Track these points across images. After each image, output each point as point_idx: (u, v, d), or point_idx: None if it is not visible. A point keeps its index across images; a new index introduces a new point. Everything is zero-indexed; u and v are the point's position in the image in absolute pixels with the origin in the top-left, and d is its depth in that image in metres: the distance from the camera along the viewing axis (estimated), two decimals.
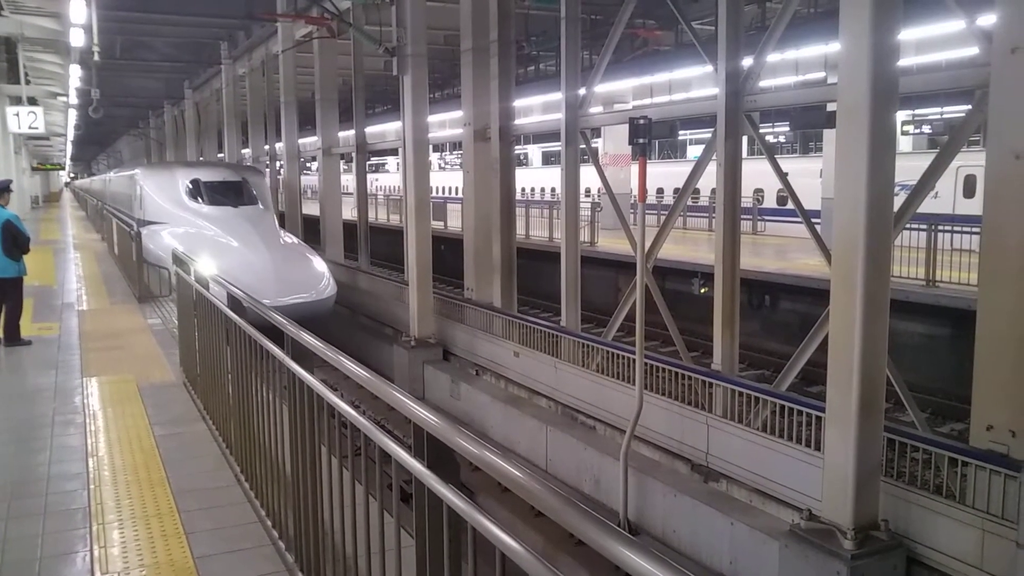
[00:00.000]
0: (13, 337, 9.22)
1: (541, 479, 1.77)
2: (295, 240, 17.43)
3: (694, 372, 8.92)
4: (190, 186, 17.09)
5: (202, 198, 16.83)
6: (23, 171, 39.04)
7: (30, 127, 19.69)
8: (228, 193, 17.11)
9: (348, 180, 28.92)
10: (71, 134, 44.02)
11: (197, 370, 6.49)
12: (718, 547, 7.84)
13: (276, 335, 3.91)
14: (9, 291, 9.20)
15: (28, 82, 21.02)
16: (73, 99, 27.21)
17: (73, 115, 35.14)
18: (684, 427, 8.72)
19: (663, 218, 12.30)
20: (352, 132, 19.07)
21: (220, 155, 32.48)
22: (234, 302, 5.05)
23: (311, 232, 21.06)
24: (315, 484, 3.30)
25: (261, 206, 17.29)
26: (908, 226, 9.00)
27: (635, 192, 13.99)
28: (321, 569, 3.32)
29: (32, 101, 21.19)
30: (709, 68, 9.66)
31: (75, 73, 21.62)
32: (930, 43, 14.42)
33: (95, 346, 9.18)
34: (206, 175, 17.54)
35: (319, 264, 15.43)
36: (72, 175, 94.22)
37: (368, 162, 21.40)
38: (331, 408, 3.02)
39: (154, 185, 18.07)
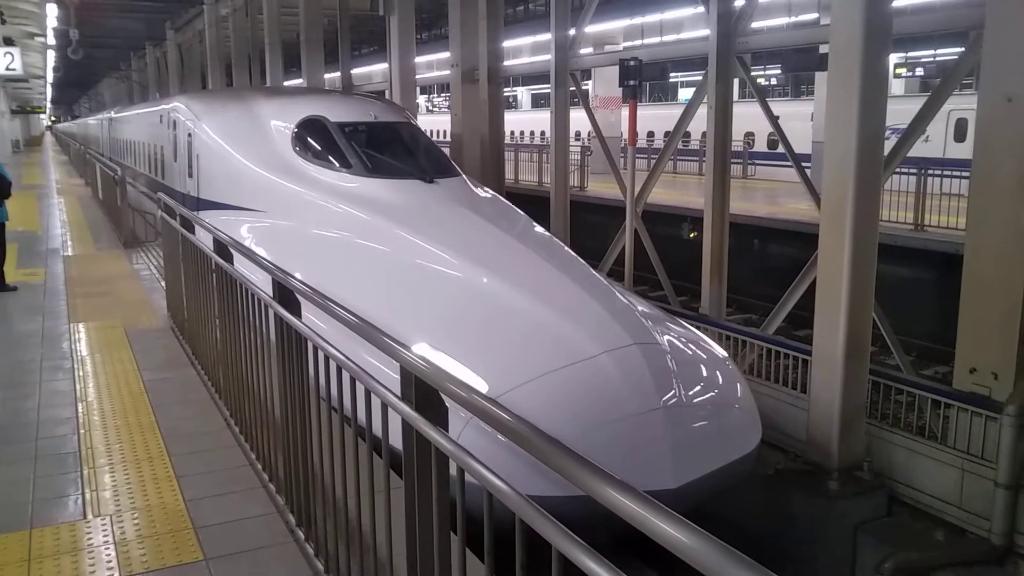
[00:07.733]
0: None
1: (530, 422, 1.77)
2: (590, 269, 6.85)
3: (682, 316, 8.97)
4: (302, 132, 8.65)
5: (343, 160, 8.23)
6: (2, 114, 38.35)
7: (7, 68, 19.18)
8: (393, 150, 8.64)
9: None
10: (51, 76, 43.13)
11: (184, 315, 6.47)
12: None
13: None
14: None
15: (4, 22, 20.47)
16: (51, 40, 26.57)
17: (52, 56, 34.36)
18: None
19: (654, 162, 12.23)
20: (338, 74, 18.73)
21: None
22: (221, 247, 4.82)
23: None
24: (304, 427, 3.31)
25: (467, 180, 8.84)
26: (897, 170, 8.97)
27: (625, 136, 13.87)
28: (311, 511, 3.35)
29: (8, 41, 20.65)
30: (701, 8, 9.51)
31: (51, 12, 21.06)
32: None
33: (82, 292, 9.13)
34: (333, 111, 8.88)
35: (715, 349, 6.35)
36: (53, 119, 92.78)
37: None
38: (319, 350, 3.01)
39: (224, 129, 9.61)
